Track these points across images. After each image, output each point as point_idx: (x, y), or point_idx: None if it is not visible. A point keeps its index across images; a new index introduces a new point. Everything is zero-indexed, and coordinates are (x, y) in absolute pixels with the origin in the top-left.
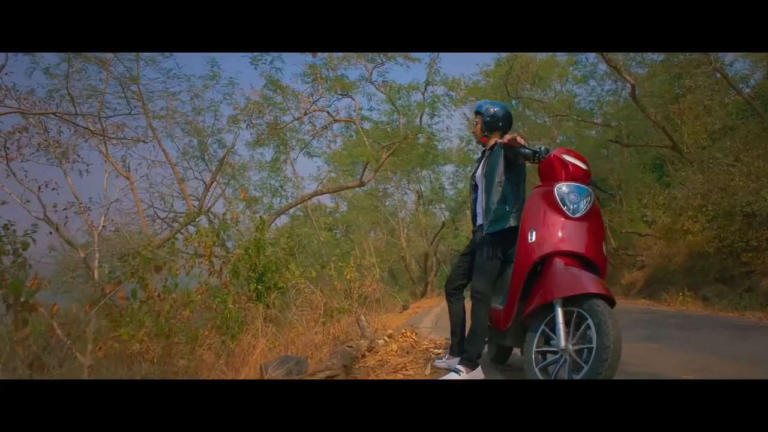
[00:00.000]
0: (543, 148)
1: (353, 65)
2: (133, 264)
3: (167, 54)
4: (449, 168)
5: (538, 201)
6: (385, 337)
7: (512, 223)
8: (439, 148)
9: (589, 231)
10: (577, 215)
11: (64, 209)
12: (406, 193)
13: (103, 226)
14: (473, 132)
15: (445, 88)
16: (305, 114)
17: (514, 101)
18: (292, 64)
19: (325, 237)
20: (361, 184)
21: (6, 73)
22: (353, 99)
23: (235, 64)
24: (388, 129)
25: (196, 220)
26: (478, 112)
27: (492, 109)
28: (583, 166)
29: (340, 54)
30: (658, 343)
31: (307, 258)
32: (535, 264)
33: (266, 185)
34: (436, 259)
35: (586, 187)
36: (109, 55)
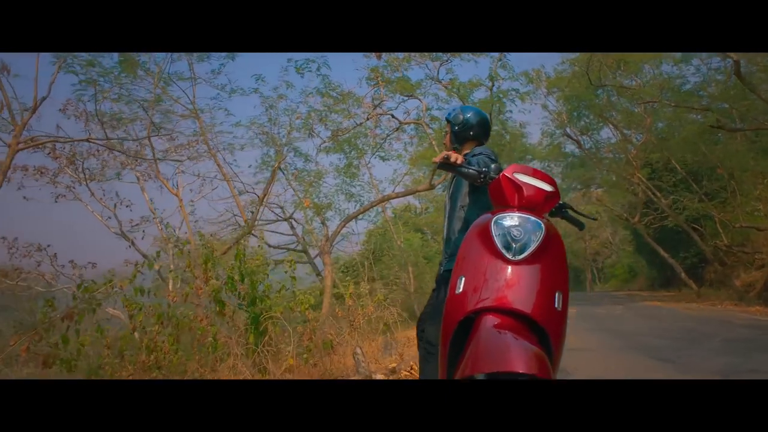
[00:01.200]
0: (493, 165)
1: (417, 63)
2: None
3: (219, 71)
4: (535, 165)
5: (472, 237)
6: (386, 373)
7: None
8: (525, 143)
9: (535, 279)
10: (521, 257)
11: (136, 225)
12: None
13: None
14: (444, 143)
15: (517, 82)
16: (368, 118)
17: (599, 90)
18: (339, 70)
19: (414, 239)
20: (431, 187)
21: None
22: (420, 100)
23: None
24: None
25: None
26: (447, 120)
27: (461, 116)
28: (545, 187)
29: (402, 54)
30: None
31: (392, 259)
32: (463, 322)
33: (343, 191)
34: None
35: (538, 218)
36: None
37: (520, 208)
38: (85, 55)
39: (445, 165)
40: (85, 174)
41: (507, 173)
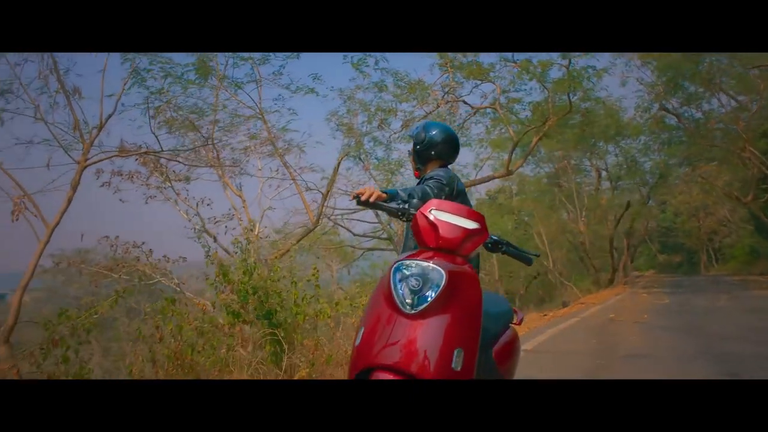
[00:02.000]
0: (415, 200)
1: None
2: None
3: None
4: (631, 141)
5: (378, 285)
6: None
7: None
8: (622, 119)
9: (432, 335)
10: (416, 311)
11: (216, 222)
12: (586, 174)
13: (258, 234)
14: (411, 161)
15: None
16: (438, 106)
17: (703, 57)
18: (407, 58)
19: (506, 222)
20: (509, 173)
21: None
22: (494, 83)
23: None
24: (529, 112)
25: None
26: (411, 137)
27: (423, 134)
28: (467, 225)
29: None
30: None
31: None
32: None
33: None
34: (627, 242)
35: (440, 266)
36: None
37: (438, 249)
38: (156, 67)
39: (363, 202)
40: (170, 176)
41: (423, 210)
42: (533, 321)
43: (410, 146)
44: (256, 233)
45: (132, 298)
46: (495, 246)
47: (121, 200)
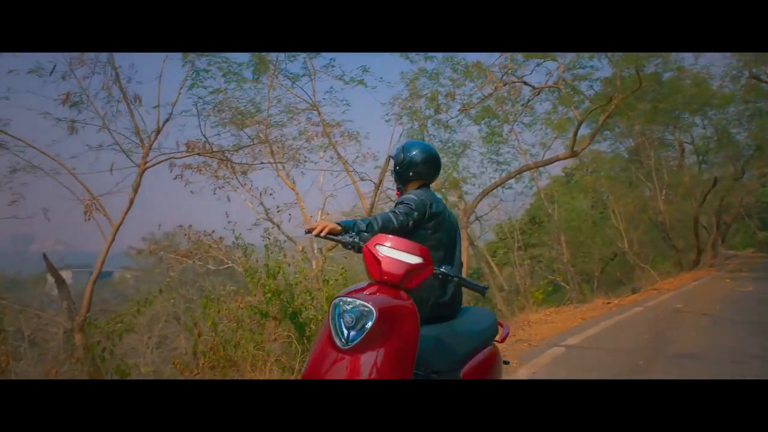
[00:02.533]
0: (366, 234)
1: None
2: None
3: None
4: (717, 112)
5: (325, 318)
6: None
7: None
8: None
9: (363, 370)
10: (349, 346)
11: (279, 210)
12: (668, 148)
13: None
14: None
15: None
16: (496, 89)
17: None
18: None
19: (580, 203)
20: (573, 154)
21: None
22: (556, 61)
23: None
24: (596, 89)
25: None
26: (392, 158)
27: (402, 155)
28: (409, 260)
29: None
30: None
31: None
32: None
33: (489, 159)
34: (716, 220)
35: (369, 303)
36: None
37: (383, 283)
38: (214, 67)
39: (316, 236)
40: (234, 168)
41: (368, 245)
42: (594, 310)
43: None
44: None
45: (208, 279)
46: (445, 277)
47: (192, 192)
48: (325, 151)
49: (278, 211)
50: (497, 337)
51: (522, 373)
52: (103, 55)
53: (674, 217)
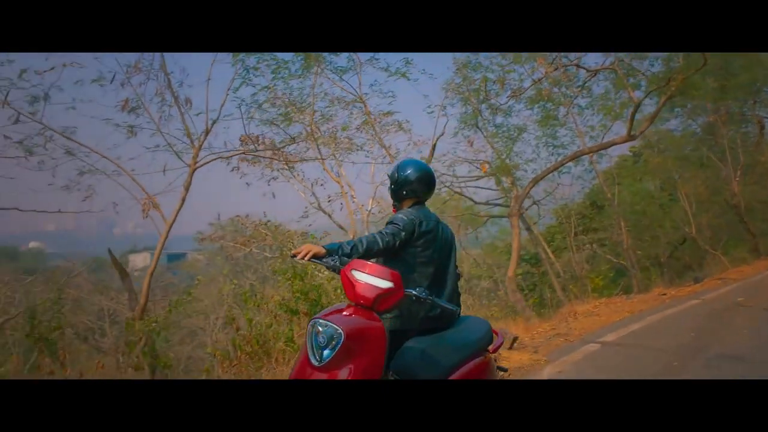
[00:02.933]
0: (345, 258)
1: None
2: None
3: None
4: None
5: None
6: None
7: (387, 325)
8: None
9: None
10: (321, 364)
11: (329, 200)
12: (746, 126)
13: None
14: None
15: None
16: (546, 74)
17: None
18: None
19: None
20: (630, 138)
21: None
22: None
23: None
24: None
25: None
26: (388, 176)
27: (396, 174)
28: (381, 285)
29: None
30: None
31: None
32: None
33: (545, 144)
34: None
35: (338, 325)
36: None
37: (357, 305)
38: (263, 65)
39: (301, 260)
40: (287, 159)
41: (345, 270)
42: (646, 302)
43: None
44: (368, 211)
45: (266, 265)
46: (418, 300)
47: (247, 184)
48: (373, 143)
49: (329, 201)
50: (490, 347)
51: (547, 372)
52: (157, 62)
53: (751, 198)
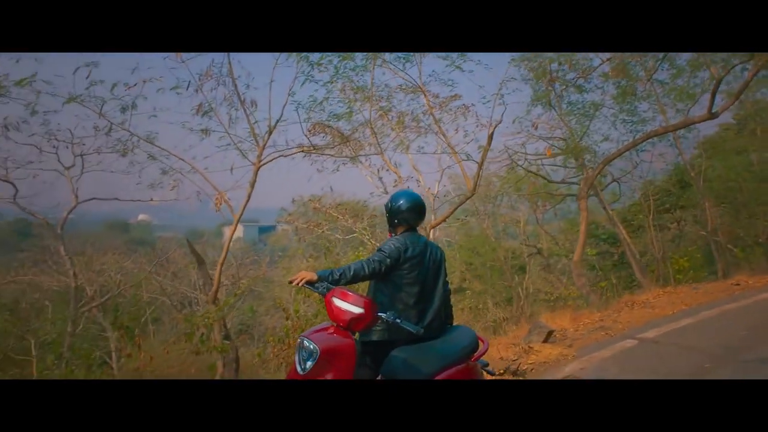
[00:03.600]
0: (330, 285)
1: None
2: None
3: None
4: None
5: None
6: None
7: (374, 337)
8: None
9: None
10: (304, 373)
11: (395, 185)
12: None
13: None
14: None
15: None
16: (608, 59)
17: None
18: None
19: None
20: (711, 116)
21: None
22: None
23: None
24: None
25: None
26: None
27: (390, 204)
28: (353, 310)
29: None
30: None
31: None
32: None
33: (621, 120)
34: None
35: (317, 343)
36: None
37: (337, 325)
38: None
39: (296, 286)
40: (352, 147)
41: (327, 296)
42: (711, 293)
43: None
44: (434, 195)
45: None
46: (386, 323)
47: (318, 170)
48: (436, 134)
49: (395, 186)
50: (474, 355)
51: (569, 369)
52: (225, 68)
53: None
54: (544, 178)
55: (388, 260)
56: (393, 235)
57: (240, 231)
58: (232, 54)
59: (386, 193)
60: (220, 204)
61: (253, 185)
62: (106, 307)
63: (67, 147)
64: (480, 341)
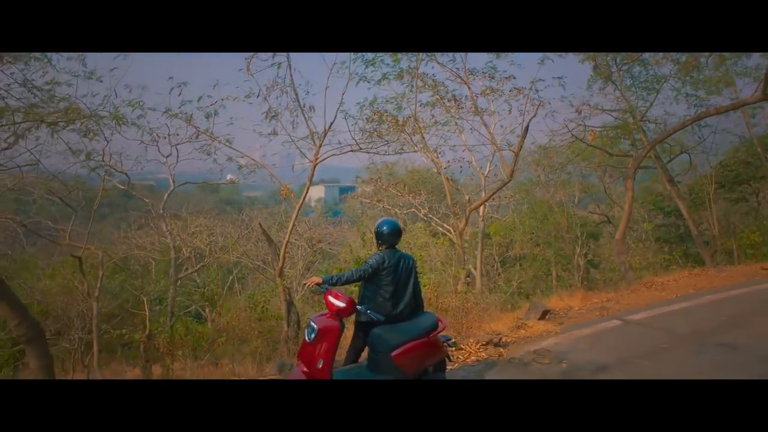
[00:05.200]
0: (328, 287)
1: None
2: None
3: None
4: None
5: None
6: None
7: (362, 319)
8: None
9: (313, 353)
10: (310, 341)
11: (448, 165)
12: None
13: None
14: None
15: None
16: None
17: None
18: None
19: None
20: (765, 97)
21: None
22: None
23: None
24: None
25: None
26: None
27: (376, 229)
28: (339, 304)
29: None
30: None
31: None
32: None
33: (686, 95)
34: None
35: (315, 323)
36: None
37: (330, 313)
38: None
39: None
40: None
41: (325, 294)
42: (735, 277)
43: None
44: (485, 174)
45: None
46: (361, 313)
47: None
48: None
49: (448, 166)
50: (431, 334)
51: (545, 344)
52: (288, 79)
53: None
54: (606, 151)
55: (370, 269)
56: (379, 249)
57: (321, 191)
58: (293, 64)
59: (438, 172)
60: (285, 194)
61: (311, 180)
62: (200, 271)
63: (164, 138)
64: (439, 321)
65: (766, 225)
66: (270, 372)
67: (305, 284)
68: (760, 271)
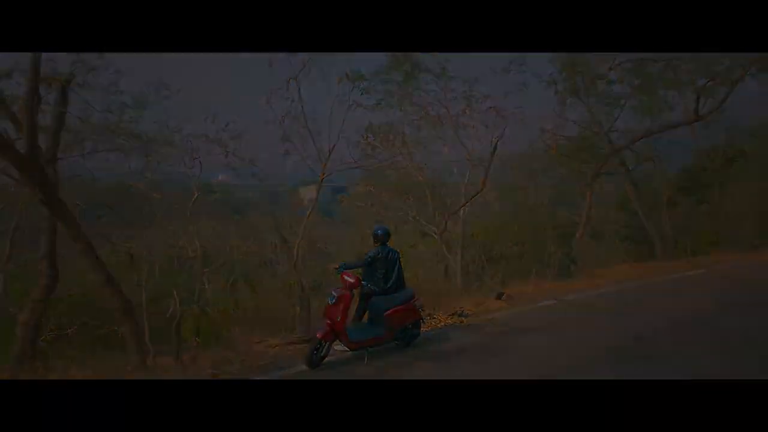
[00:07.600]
0: (343, 269)
1: None
2: None
3: None
4: None
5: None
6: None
7: (364, 290)
8: None
9: (335, 312)
10: (332, 303)
11: (468, 158)
12: None
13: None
14: None
15: None
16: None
17: None
18: None
19: None
20: (697, 118)
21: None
22: None
23: None
24: None
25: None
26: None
27: (372, 232)
28: (351, 280)
29: None
30: None
31: None
32: None
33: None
34: None
35: (336, 293)
36: None
37: (344, 287)
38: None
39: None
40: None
41: (342, 274)
42: (663, 268)
43: None
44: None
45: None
46: (366, 287)
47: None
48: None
49: (468, 159)
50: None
51: (495, 315)
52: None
53: None
54: (573, 159)
55: (369, 259)
56: (375, 245)
57: (313, 191)
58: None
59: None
60: (298, 205)
61: (318, 192)
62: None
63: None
64: (414, 294)
65: (720, 224)
66: (297, 332)
67: (331, 267)
68: (686, 264)
